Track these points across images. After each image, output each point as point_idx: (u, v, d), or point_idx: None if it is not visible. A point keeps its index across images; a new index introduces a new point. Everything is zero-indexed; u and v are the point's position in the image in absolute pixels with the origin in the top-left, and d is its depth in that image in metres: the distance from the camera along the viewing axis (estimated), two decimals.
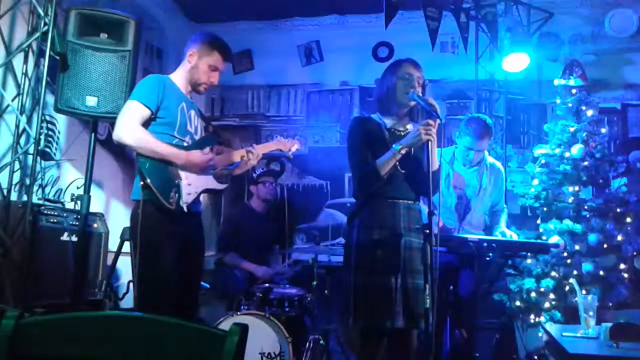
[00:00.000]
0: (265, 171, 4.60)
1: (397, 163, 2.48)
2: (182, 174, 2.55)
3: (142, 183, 2.46)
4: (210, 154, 2.64)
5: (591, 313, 2.48)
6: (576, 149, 4.08)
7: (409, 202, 2.57)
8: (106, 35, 3.40)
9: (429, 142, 2.35)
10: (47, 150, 3.54)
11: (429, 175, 2.26)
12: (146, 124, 2.54)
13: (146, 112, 2.51)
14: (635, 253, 3.84)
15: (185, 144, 2.61)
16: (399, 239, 2.48)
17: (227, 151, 2.88)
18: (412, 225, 2.52)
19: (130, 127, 2.48)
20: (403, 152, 2.44)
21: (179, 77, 2.71)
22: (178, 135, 2.60)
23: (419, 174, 2.53)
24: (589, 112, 4.19)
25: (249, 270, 4.17)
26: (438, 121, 2.38)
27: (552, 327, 2.94)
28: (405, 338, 2.51)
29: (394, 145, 2.45)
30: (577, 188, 4.09)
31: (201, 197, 2.72)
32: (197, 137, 2.70)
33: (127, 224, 3.83)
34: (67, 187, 3.86)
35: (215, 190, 2.75)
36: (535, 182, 4.24)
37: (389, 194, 2.52)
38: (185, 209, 2.52)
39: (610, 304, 3.74)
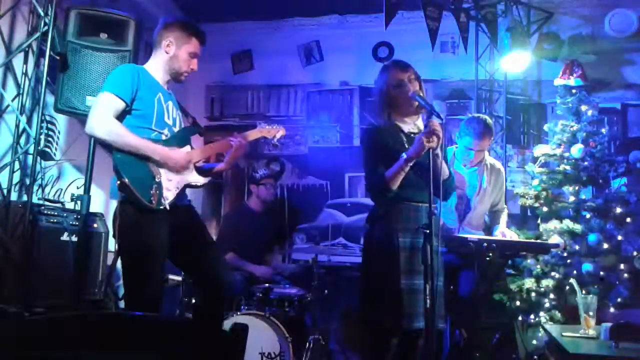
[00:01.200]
0: (268, 173, 4.59)
1: (416, 169, 2.47)
2: (161, 170, 2.42)
3: (118, 182, 2.33)
4: (192, 155, 2.52)
5: (591, 313, 2.48)
6: (576, 149, 4.08)
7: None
8: (106, 35, 3.40)
9: (431, 150, 2.33)
10: (47, 150, 3.54)
11: (430, 179, 2.25)
12: (121, 116, 2.40)
13: (120, 104, 2.37)
14: (635, 253, 3.84)
15: (163, 137, 2.49)
16: (420, 241, 2.46)
17: (215, 143, 2.76)
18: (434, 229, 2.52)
19: (103, 120, 2.33)
20: (410, 163, 2.42)
21: (154, 68, 2.57)
22: (156, 128, 2.46)
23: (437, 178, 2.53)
24: (589, 112, 4.19)
25: (248, 271, 4.17)
26: (439, 122, 2.37)
27: (552, 327, 2.94)
28: (415, 339, 2.50)
29: (402, 155, 2.43)
30: (577, 188, 4.09)
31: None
32: (175, 129, 2.57)
33: None
34: (67, 187, 3.85)
35: (197, 185, 2.62)
36: (535, 182, 4.24)
37: (412, 197, 2.51)
38: (168, 208, 2.40)
39: (610, 304, 3.74)
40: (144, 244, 2.38)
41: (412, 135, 2.57)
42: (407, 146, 2.50)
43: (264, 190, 4.44)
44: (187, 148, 2.58)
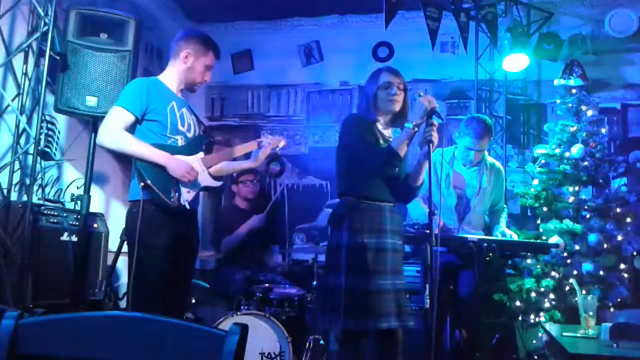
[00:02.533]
0: (244, 170, 4.55)
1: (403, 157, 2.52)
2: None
3: (142, 184, 2.46)
4: (195, 168, 2.59)
5: (591, 313, 2.48)
6: (576, 149, 4.08)
7: (392, 204, 2.61)
8: (106, 35, 3.40)
9: (430, 145, 2.35)
10: (47, 150, 3.54)
11: (429, 175, 2.27)
12: (136, 126, 2.55)
13: (129, 118, 2.52)
14: (635, 253, 3.83)
15: (179, 143, 2.62)
16: (386, 242, 2.51)
17: (226, 149, 2.91)
18: (395, 228, 2.57)
19: (111, 132, 2.49)
20: (416, 129, 2.46)
21: (169, 77, 2.70)
22: (171, 135, 2.60)
23: (399, 179, 2.63)
24: (589, 112, 4.19)
25: (248, 230, 4.17)
26: (439, 121, 2.40)
27: (552, 327, 2.94)
28: (391, 337, 2.52)
29: (406, 124, 2.48)
30: (577, 188, 4.09)
31: (201, 198, 2.73)
32: (190, 135, 2.69)
33: None
34: (67, 187, 3.86)
35: (211, 188, 2.76)
36: (535, 182, 4.24)
37: (375, 195, 2.55)
38: (188, 207, 2.55)
39: (610, 304, 3.74)
40: (162, 243, 2.50)
41: (385, 135, 2.64)
42: (381, 142, 2.58)
43: (243, 188, 4.43)
44: (201, 155, 2.69)
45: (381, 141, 2.60)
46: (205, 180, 2.67)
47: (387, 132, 2.67)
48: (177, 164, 2.53)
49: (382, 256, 2.48)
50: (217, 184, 2.75)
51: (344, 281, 2.46)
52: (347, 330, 2.49)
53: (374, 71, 2.73)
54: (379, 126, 2.65)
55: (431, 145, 2.35)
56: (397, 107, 2.59)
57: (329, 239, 2.62)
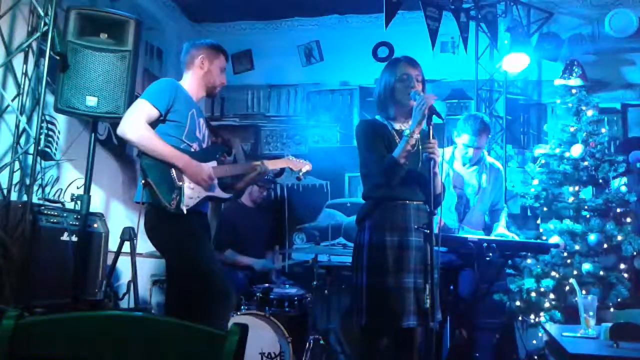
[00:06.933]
0: (269, 179, 4.60)
1: (407, 164, 2.48)
2: (185, 177, 2.54)
3: (143, 181, 2.45)
4: (212, 175, 2.62)
5: (591, 313, 2.48)
6: (576, 149, 4.08)
7: (419, 202, 2.56)
8: (106, 35, 3.40)
9: (433, 161, 2.33)
10: (47, 150, 3.54)
11: (430, 184, 2.26)
12: (156, 124, 2.55)
13: (154, 113, 2.52)
14: (635, 253, 3.84)
15: (192, 150, 2.62)
16: (410, 240, 2.48)
17: (235, 162, 2.95)
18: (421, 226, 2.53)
19: (135, 124, 2.48)
20: (415, 135, 2.43)
21: (189, 85, 2.75)
22: (186, 140, 2.61)
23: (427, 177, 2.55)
24: (589, 112, 4.19)
25: (247, 265, 4.18)
26: (440, 121, 2.39)
27: (552, 327, 2.94)
28: (410, 337, 2.51)
29: (404, 132, 2.46)
30: (577, 188, 4.09)
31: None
32: (204, 145, 2.72)
33: (127, 224, 3.85)
34: (67, 187, 3.85)
35: (219, 199, 2.77)
36: (535, 182, 4.24)
37: (400, 195, 2.53)
38: (185, 212, 2.49)
39: (610, 304, 3.74)
40: (175, 246, 2.54)
41: (402, 132, 2.58)
42: (397, 141, 2.53)
43: (256, 191, 4.49)
44: (213, 163, 2.69)
45: (397, 140, 2.55)
46: (211, 190, 2.64)
47: (406, 125, 2.60)
48: (196, 168, 2.54)
49: (405, 254, 2.45)
50: (226, 195, 2.74)
51: (366, 280, 2.47)
52: (367, 329, 2.49)
53: (391, 60, 2.70)
54: (395, 124, 2.62)
55: (433, 161, 2.33)
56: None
57: (354, 239, 2.63)
